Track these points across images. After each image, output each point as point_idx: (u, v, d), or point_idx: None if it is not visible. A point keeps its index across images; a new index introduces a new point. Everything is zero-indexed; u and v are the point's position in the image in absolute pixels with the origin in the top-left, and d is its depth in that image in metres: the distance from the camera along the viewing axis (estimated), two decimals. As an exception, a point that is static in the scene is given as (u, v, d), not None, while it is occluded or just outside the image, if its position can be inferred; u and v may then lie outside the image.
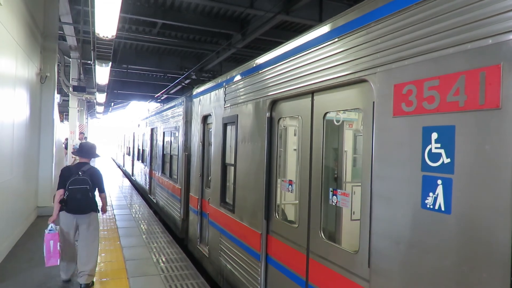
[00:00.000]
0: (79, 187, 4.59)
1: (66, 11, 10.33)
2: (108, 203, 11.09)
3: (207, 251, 6.00)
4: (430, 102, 2.07)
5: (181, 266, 5.75)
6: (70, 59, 16.09)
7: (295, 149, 3.85)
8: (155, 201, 11.12)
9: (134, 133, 17.53)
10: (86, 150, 4.99)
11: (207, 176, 6.44)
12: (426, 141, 2.09)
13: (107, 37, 7.46)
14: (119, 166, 27.00)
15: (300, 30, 12.18)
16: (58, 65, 10.45)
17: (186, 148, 7.67)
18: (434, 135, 2.05)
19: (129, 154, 19.72)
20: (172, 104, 9.26)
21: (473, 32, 1.84)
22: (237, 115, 4.89)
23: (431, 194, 2.06)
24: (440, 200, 1.99)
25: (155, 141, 11.77)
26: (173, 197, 8.61)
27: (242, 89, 4.81)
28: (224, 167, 5.46)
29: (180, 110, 8.17)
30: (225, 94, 5.43)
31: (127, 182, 17.24)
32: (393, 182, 2.31)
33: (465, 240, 1.87)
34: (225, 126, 5.44)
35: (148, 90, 23.71)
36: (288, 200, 4.12)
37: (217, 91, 5.84)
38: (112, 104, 32.90)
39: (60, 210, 4.66)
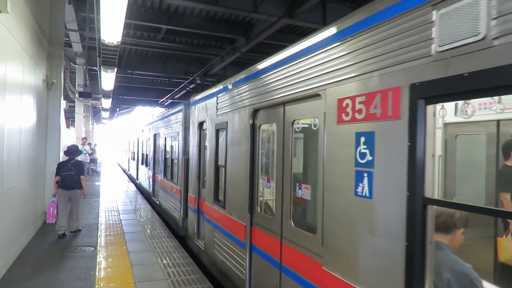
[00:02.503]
0: (67, 173, 7.46)
1: (72, 18, 10.44)
2: (114, 208, 11.24)
3: (203, 245, 6.54)
4: (360, 113, 2.64)
5: (187, 270, 5.74)
6: (76, 66, 16.26)
7: (272, 151, 4.34)
8: (158, 203, 11.65)
9: (138, 138, 18.08)
10: (71, 152, 7.82)
11: (203, 177, 6.97)
12: (358, 143, 2.66)
13: (112, 43, 7.52)
14: (124, 171, 27.51)
15: (304, 33, 12.20)
16: (64, 71, 10.56)
17: (185, 152, 8.23)
18: (362, 139, 2.62)
19: (133, 159, 20.44)
20: (173, 111, 9.79)
21: (385, 61, 2.43)
22: (227, 121, 5.46)
23: (360, 184, 2.63)
24: (366, 188, 2.57)
25: (157, 146, 12.32)
26: (174, 198, 9.21)
27: (231, 99, 5.36)
28: (217, 168, 6.01)
29: (179, 116, 8.71)
30: (217, 103, 6.00)
31: (132, 187, 17.30)
32: (337, 176, 2.89)
33: (380, 217, 2.46)
34: (217, 131, 5.99)
35: (153, 95, 23.84)
36: (268, 196, 4.52)
37: (211, 99, 6.39)
38: (118, 109, 33.09)
39: (57, 188, 7.50)
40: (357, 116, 2.67)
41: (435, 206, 2.17)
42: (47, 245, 7.00)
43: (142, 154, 16.26)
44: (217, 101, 6.01)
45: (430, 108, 2.15)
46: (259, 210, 4.48)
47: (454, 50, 1.98)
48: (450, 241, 2.40)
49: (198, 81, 17.04)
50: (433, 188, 2.21)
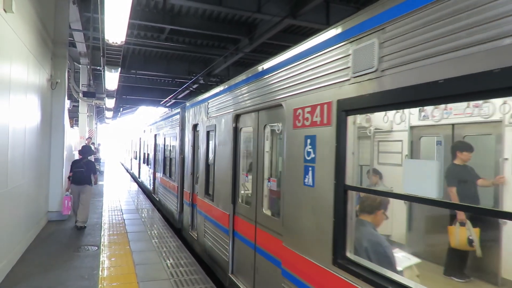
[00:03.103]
0: (78, 170, 8.38)
1: (76, 18, 10.48)
2: (117, 207, 11.34)
3: (196, 235, 7.29)
4: (307, 120, 3.31)
5: (190, 270, 5.75)
6: (80, 65, 16.32)
7: (249, 150, 5.04)
8: (158, 200, 12.46)
9: (140, 138, 18.85)
10: (85, 151, 8.94)
11: (196, 174, 7.65)
12: (305, 144, 3.33)
13: (116, 43, 7.54)
14: (127, 170, 28.01)
15: (307, 33, 12.19)
16: (68, 71, 10.59)
17: (182, 152, 8.99)
18: (308, 141, 3.29)
19: (136, 158, 21.25)
20: (171, 113, 10.58)
21: (322, 81, 3.12)
22: (215, 124, 6.14)
23: (307, 176, 3.30)
24: (310, 179, 3.24)
25: (157, 146, 13.11)
26: (171, 194, 10.04)
27: (219, 105, 6.06)
28: (207, 165, 6.75)
29: (177, 119, 9.48)
30: (208, 108, 6.69)
31: (135, 187, 17.34)
32: (292, 170, 3.55)
33: (318, 201, 3.11)
34: (208, 133, 6.72)
35: (157, 95, 23.89)
36: (247, 188, 5.20)
37: (203, 104, 7.10)
38: (121, 109, 33.18)
39: (70, 183, 8.38)
40: (305, 122, 3.36)
41: (354, 192, 2.87)
42: (51, 244, 7.03)
43: (144, 153, 17.05)
44: (207, 106, 6.71)
45: (350, 118, 2.82)
46: (240, 201, 5.16)
47: (361, 77, 2.66)
48: (373, 219, 3.13)
49: (201, 81, 17.06)
50: (352, 177, 2.86)
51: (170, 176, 10.46)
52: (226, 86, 5.76)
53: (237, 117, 5.24)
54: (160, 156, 12.33)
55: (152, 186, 13.96)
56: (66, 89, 9.93)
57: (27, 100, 6.51)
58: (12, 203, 5.73)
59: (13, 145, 5.55)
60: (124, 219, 9.53)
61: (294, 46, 3.72)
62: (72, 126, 18.56)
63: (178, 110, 9.32)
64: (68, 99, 11.36)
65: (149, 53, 16.50)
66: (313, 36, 3.36)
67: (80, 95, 15.47)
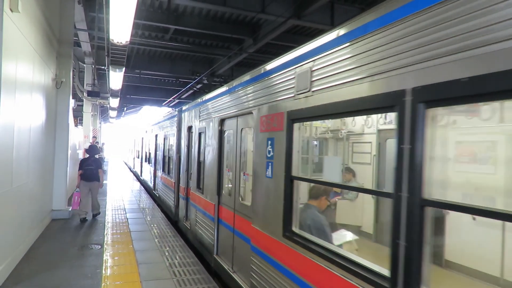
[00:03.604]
0: (88, 168, 9.20)
1: (81, 18, 10.53)
2: (121, 206, 11.37)
3: (189, 225, 8.20)
4: (269, 126, 4.15)
5: (193, 270, 5.76)
6: (85, 65, 16.39)
7: (230, 150, 5.87)
8: (158, 195, 13.46)
9: (142, 138, 19.92)
10: (92, 150, 9.78)
11: (190, 170, 8.50)
12: (267, 145, 4.14)
13: (121, 43, 7.57)
14: (130, 169, 28.55)
15: (312, 34, 12.17)
16: (73, 70, 10.64)
17: (178, 151, 9.87)
18: (269, 142, 4.10)
19: (138, 157, 22.37)
20: (169, 116, 11.56)
21: (277, 96, 3.96)
22: (205, 127, 7.03)
23: (268, 169, 4.12)
24: (270, 172, 4.07)
25: (157, 145, 14.12)
26: (169, 189, 10.99)
27: (207, 110, 6.95)
28: (199, 163, 7.59)
29: (174, 121, 10.37)
30: (199, 112, 7.59)
31: (139, 186, 17.40)
32: (259, 165, 4.35)
33: (274, 189, 3.95)
34: (199, 134, 7.60)
35: (161, 95, 23.95)
36: (228, 182, 6.06)
37: (195, 109, 8.02)
38: (125, 108, 33.29)
39: (80, 180, 9.17)
40: (267, 127, 4.18)
41: (299, 181, 3.65)
42: (55, 243, 7.07)
43: (145, 152, 18.11)
44: (199, 110, 7.62)
45: (295, 125, 3.63)
46: (223, 192, 6.04)
47: (300, 94, 3.49)
48: (317, 204, 3.90)
49: (205, 81, 17.08)
50: (298, 170, 3.65)
51: (168, 173, 11.42)
52: (214, 94, 6.68)
53: (222, 121, 6.12)
54: (160, 155, 13.28)
55: (152, 184, 14.89)
56: (71, 89, 9.97)
57: (32, 99, 6.55)
58: (17, 202, 5.76)
59: (18, 144, 5.58)
60: (127, 218, 9.56)
61: (256, 69, 4.70)
62: (76, 125, 18.62)
63: (175, 113, 10.28)
64: (72, 98, 11.43)
65: (153, 53, 16.55)
66: (274, 60, 4.21)
67: (85, 94, 15.54)
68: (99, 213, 9.56)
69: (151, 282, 5.22)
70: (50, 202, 8.91)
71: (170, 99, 22.95)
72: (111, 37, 7.35)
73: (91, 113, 19.27)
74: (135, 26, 10.28)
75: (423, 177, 2.15)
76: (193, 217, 7.77)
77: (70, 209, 9.41)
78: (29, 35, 6.06)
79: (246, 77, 5.03)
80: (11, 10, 4.89)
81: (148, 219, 9.59)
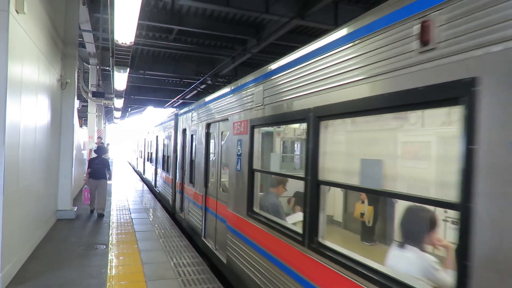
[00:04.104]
0: (96, 167, 10.06)
1: (85, 19, 10.58)
2: (125, 206, 11.45)
3: (183, 215, 9.38)
4: (238, 130, 5.20)
5: (197, 270, 5.77)
6: (89, 66, 16.45)
7: (214, 149, 7.04)
8: (158, 192, 14.61)
9: (145, 139, 21.41)
10: (100, 150, 10.71)
11: (184, 167, 9.67)
12: (238, 145, 5.17)
13: (125, 43, 7.60)
14: (134, 169, 29.75)
15: (315, 34, 12.15)
16: (77, 71, 10.69)
17: (175, 150, 10.93)
18: (239, 142, 5.13)
19: (141, 157, 24.06)
20: (168, 119, 12.79)
21: (243, 108, 5.10)
22: (196, 130, 8.18)
23: (238, 164, 5.17)
24: (239, 166, 5.10)
25: (158, 146, 15.34)
26: (168, 185, 12.11)
27: (198, 115, 8.07)
28: (191, 161, 8.78)
29: (172, 123, 11.41)
30: (192, 116, 8.72)
31: (143, 187, 17.45)
32: (232, 161, 5.45)
33: (242, 179, 4.97)
34: (191, 136, 8.75)
35: (165, 95, 24.00)
36: (213, 176, 7.05)
37: (188, 114, 9.16)
38: (129, 109, 33.38)
39: (89, 178, 10.06)
40: (237, 131, 5.27)
41: (258, 172, 4.77)
42: (60, 242, 7.11)
43: (148, 152, 19.47)
44: (192, 115, 8.72)
45: (255, 130, 4.72)
46: (209, 185, 7.22)
47: (257, 107, 4.61)
48: (276, 190, 5.05)
49: (209, 82, 17.11)
50: (257, 163, 4.77)
51: (167, 171, 12.63)
52: (202, 102, 7.80)
53: (208, 125, 7.28)
54: (160, 155, 14.54)
55: (154, 181, 16.17)
56: (76, 89, 10.03)
57: (38, 100, 6.59)
58: (23, 202, 5.80)
59: (24, 145, 5.62)
60: (132, 218, 9.60)
61: (229, 85, 6.01)
62: (81, 126, 18.72)
63: (173, 117, 11.41)
64: (77, 99, 11.49)
65: (157, 54, 16.60)
66: (242, 78, 5.31)
67: (89, 95, 15.59)
68: (104, 215, 9.79)
69: (156, 282, 5.24)
70: (55, 202, 8.96)
71: (174, 99, 23.00)
72: (115, 38, 7.38)
73: (96, 114, 19.35)
74: (139, 27, 10.31)
75: (318, 165, 3.28)
76: (186, 208, 9.03)
77: (75, 209, 9.50)
78: (35, 36, 6.10)
79: (226, 89, 6.18)
80: (17, 12, 4.93)
81: (152, 218, 9.62)
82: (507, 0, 1.76)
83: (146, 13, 10.32)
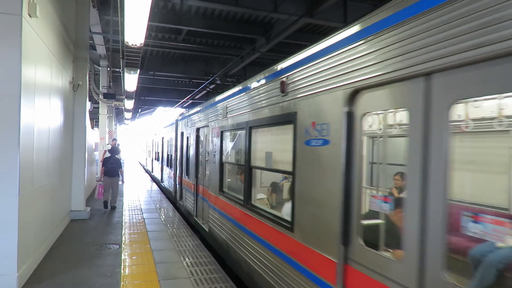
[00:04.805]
0: (110, 165, 11.10)
1: (96, 21, 10.69)
2: (137, 207, 11.57)
3: (182, 203, 11.41)
4: (214, 133, 7.20)
5: (210, 269, 5.80)
6: (100, 68, 16.63)
7: (202, 149, 8.86)
8: (163, 186, 16.68)
9: (152, 140, 23.50)
10: (113, 150, 11.77)
11: (182, 163, 11.50)
12: (214, 144, 7.28)
13: (135, 45, 7.66)
14: (143, 167, 32.33)
15: (324, 32, 12.09)
16: (88, 73, 10.82)
17: (176, 150, 12.74)
18: (214, 142, 7.19)
19: (149, 156, 26.54)
20: (170, 123, 14.82)
21: (215, 118, 7.24)
22: (190, 133, 10.17)
23: (214, 158, 7.19)
24: (214, 159, 7.18)
25: (163, 146, 17.27)
26: (171, 179, 14.18)
27: (191, 121, 9.99)
28: (187, 158, 10.66)
29: (173, 127, 13.40)
30: (186, 122, 10.76)
31: (155, 187, 17.59)
32: (211, 156, 7.36)
33: (216, 169, 7.03)
34: (187, 138, 10.65)
35: (174, 96, 24.14)
36: (202, 169, 8.79)
37: (185, 120, 11.13)
38: (140, 110, 33.67)
39: (103, 175, 11.03)
40: (214, 135, 7.10)
41: (226, 164, 6.85)
42: (74, 243, 7.20)
43: (155, 152, 21.58)
44: (187, 121, 10.69)
45: (224, 134, 6.67)
46: (199, 175, 9.04)
47: (223, 118, 6.57)
48: (241, 177, 6.00)
49: (218, 82, 17.15)
50: (227, 157, 6.91)
51: (170, 167, 14.52)
52: (194, 111, 9.69)
53: (198, 130, 9.19)
54: (165, 154, 16.48)
55: (160, 177, 18.23)
56: (87, 91, 10.13)
57: (51, 102, 6.69)
58: (38, 203, 5.90)
59: (38, 146, 5.71)
60: (144, 218, 9.68)
61: (212, 98, 7.84)
62: (93, 128, 18.93)
63: (174, 121, 13.24)
64: (89, 100, 11.62)
65: (167, 55, 16.71)
66: (216, 96, 7.39)
67: (101, 96, 15.75)
68: (115, 207, 11.13)
69: (169, 281, 5.27)
70: (69, 203, 9.08)
71: (184, 100, 23.12)
72: (126, 39, 7.45)
73: (107, 115, 19.53)
74: (149, 28, 10.38)
75: (251, 156, 5.36)
76: (184, 196, 11.14)
77: (88, 209, 9.67)
78: (47, 39, 6.19)
79: (208, 103, 8.08)
80: (30, 15, 5.00)
81: (163, 218, 9.69)
82: (299, 79, 3.83)
83: (155, 14, 10.40)
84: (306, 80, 3.65)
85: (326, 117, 3.28)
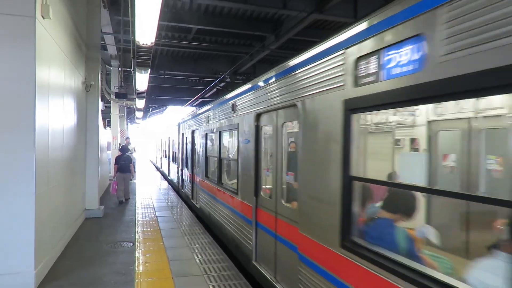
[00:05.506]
0: (122, 163, 12.28)
1: (107, 22, 10.80)
2: (150, 205, 11.69)
3: (183, 189, 13.69)
4: (201, 135, 10.00)
5: (223, 267, 5.83)
6: (111, 68, 16.80)
7: (197, 146, 10.80)
8: (170, 179, 19.07)
9: (161, 139, 25.95)
10: (124, 149, 13.05)
11: (184, 159, 13.51)
12: (202, 143, 9.82)
13: (146, 44, 7.72)
14: (154, 164, 35.18)
15: (334, 28, 12.00)
16: (100, 73, 10.93)
17: (179, 148, 14.80)
18: (202, 142, 9.78)
19: (158, 154, 29.56)
20: (174, 126, 16.73)
21: (200, 123, 10.19)
22: (188, 134, 12.13)
23: (202, 153, 9.75)
24: (202, 153, 9.96)
25: (170, 145, 19.12)
26: (176, 171, 16.01)
27: (188, 124, 12.07)
28: (187, 154, 12.53)
29: (177, 129, 15.54)
30: (185, 125, 12.90)
31: (161, 181, 17.75)
32: (200, 151, 10.07)
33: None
34: (186, 138, 12.71)
35: (185, 94, 24.27)
36: (197, 162, 10.69)
37: (184, 123, 13.40)
38: (151, 109, 33.94)
39: (116, 172, 12.21)
40: (201, 135, 9.90)
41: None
42: (89, 241, 7.31)
43: (163, 150, 23.95)
44: (185, 124, 12.94)
45: (208, 135, 9.20)
46: (194, 167, 11.13)
47: (208, 123, 8.93)
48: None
49: (228, 80, 17.17)
50: (209, 152, 9.25)
51: (175, 162, 16.68)
52: (190, 116, 11.93)
53: (193, 131, 11.21)
54: (171, 151, 18.54)
55: (167, 172, 20.39)
56: (99, 91, 10.24)
57: (64, 103, 6.78)
58: (53, 202, 6.00)
59: (52, 146, 5.80)
60: (157, 216, 9.77)
61: (201, 108, 10.38)
62: (105, 127, 19.17)
63: (177, 124, 15.34)
64: (101, 100, 11.75)
65: (177, 54, 16.79)
66: (201, 108, 9.95)
67: (112, 96, 15.94)
68: (129, 198, 12.60)
69: (182, 278, 5.32)
70: (83, 201, 9.21)
71: (194, 98, 23.22)
72: (137, 39, 7.51)
73: (119, 115, 19.75)
74: (159, 27, 10.45)
75: (221, 152, 7.89)
76: (184, 185, 13.37)
77: (102, 208, 9.86)
78: (60, 40, 6.27)
79: (199, 111, 10.25)
80: (43, 17, 5.07)
81: (176, 216, 9.76)
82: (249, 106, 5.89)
83: (165, 13, 10.44)
84: (242, 105, 6.10)
85: (249, 127, 5.72)
